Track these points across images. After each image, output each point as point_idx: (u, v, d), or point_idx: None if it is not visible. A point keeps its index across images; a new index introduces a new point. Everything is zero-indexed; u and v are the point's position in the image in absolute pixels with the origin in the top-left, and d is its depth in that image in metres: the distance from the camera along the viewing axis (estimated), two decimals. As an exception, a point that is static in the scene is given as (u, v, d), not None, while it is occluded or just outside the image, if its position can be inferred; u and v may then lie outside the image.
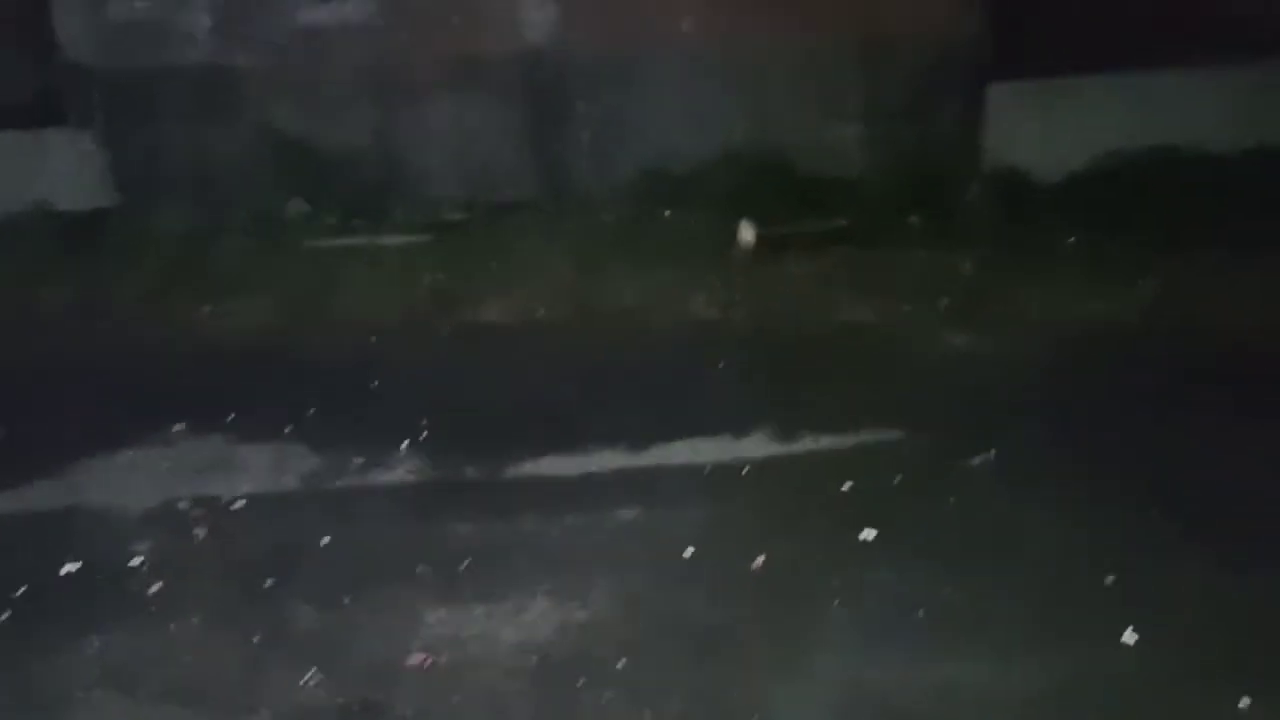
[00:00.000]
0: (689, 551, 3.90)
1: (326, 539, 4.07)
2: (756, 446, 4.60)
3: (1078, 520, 3.96)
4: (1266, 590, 3.56)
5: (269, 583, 3.84)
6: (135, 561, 3.99)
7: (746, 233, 6.62)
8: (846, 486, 4.26)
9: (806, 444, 4.59)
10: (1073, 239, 6.56)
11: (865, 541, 3.90)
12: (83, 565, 3.99)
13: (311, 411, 4.98)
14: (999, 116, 7.37)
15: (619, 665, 3.38)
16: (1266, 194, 6.62)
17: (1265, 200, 6.53)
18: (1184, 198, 6.72)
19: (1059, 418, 4.68)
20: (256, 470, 4.56)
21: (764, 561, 3.82)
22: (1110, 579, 3.63)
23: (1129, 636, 3.37)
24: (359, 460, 4.60)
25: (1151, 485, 4.12)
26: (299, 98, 6.64)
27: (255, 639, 3.57)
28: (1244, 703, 3.10)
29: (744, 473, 4.40)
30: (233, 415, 4.96)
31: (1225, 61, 7.53)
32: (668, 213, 5.96)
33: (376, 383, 5.18)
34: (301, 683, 3.38)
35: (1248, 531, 3.84)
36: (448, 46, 6.42)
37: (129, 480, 4.51)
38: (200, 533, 4.16)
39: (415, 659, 3.45)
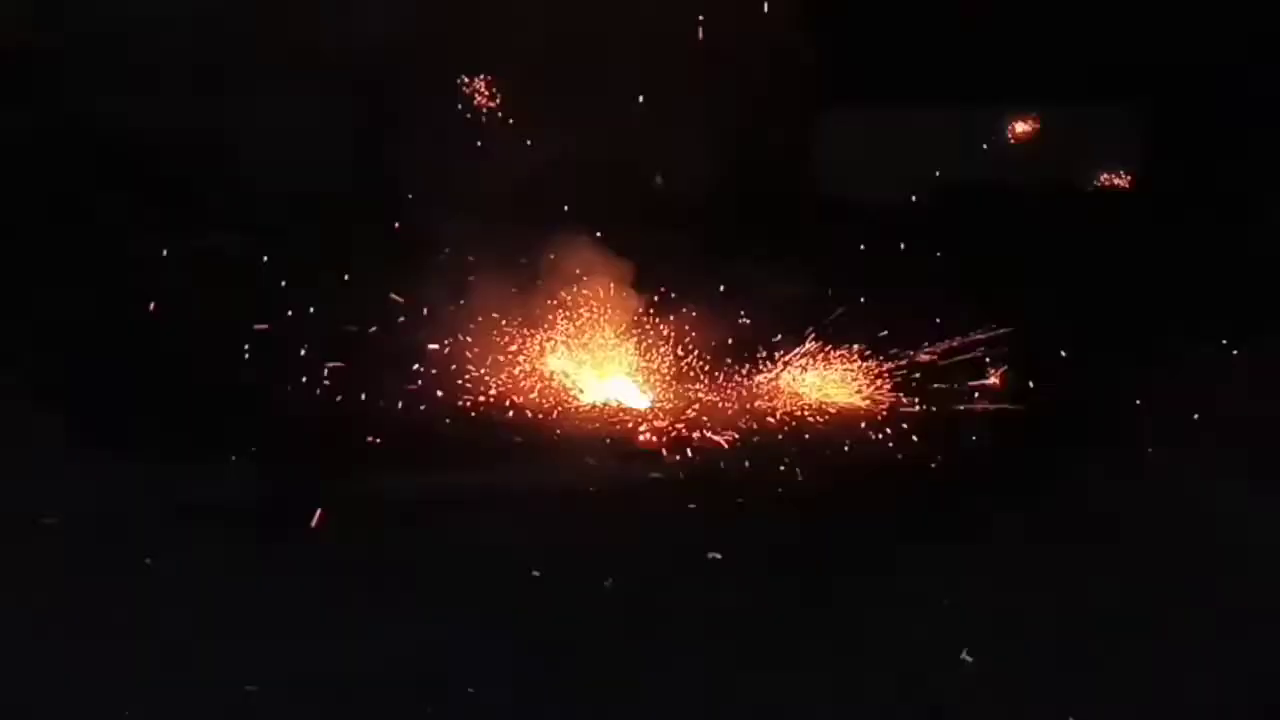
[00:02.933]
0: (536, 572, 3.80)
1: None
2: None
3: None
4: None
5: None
6: None
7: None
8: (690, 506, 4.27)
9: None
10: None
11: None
12: None
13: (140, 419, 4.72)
14: (837, 141, 7.55)
15: (469, 691, 3.25)
16: (1062, 230, 6.97)
17: (1059, 238, 6.85)
18: (1000, 226, 6.99)
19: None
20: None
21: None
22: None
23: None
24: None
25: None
26: (120, 87, 6.28)
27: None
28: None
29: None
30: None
31: (1039, 103, 7.93)
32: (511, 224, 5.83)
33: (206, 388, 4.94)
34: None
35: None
36: (282, 39, 6.16)
37: None
38: None
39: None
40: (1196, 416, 5.00)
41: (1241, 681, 3.33)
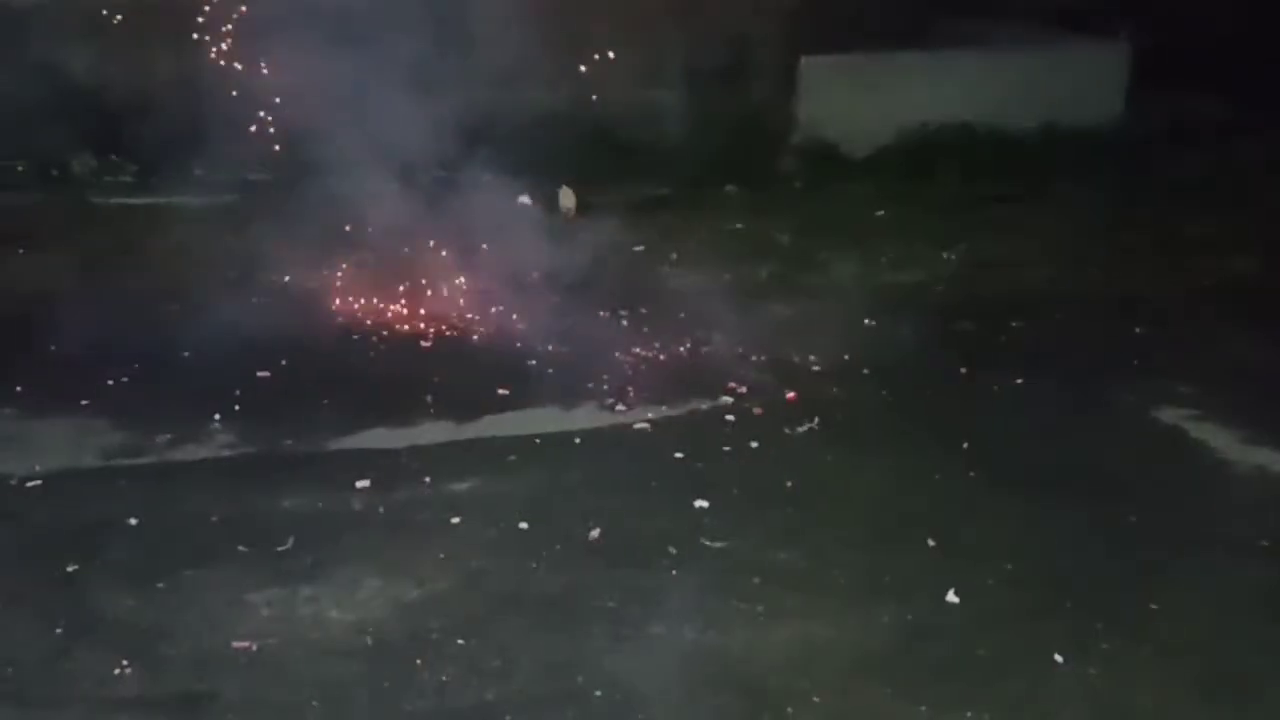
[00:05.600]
0: (524, 524, 3.79)
1: (134, 520, 3.79)
2: (587, 417, 4.54)
3: (901, 484, 4.05)
4: (1069, 538, 3.73)
5: (71, 567, 3.55)
6: (-83, 548, 3.65)
7: (566, 199, 6.53)
8: (679, 455, 4.24)
9: (636, 414, 4.55)
10: (881, 211, 6.73)
11: (699, 509, 3.88)
12: None
13: (111, 383, 4.67)
14: (811, 89, 7.50)
15: (458, 643, 3.25)
16: (1053, 167, 6.97)
17: (1049, 172, 6.87)
18: (979, 171, 6.99)
19: (878, 382, 4.80)
20: (52, 447, 4.23)
21: (600, 532, 3.75)
22: (932, 542, 3.71)
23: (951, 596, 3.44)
24: (167, 435, 4.32)
25: (962, 443, 4.27)
26: (89, 41, 6.17)
27: (57, 629, 3.29)
28: (1058, 658, 3.20)
29: (576, 443, 4.32)
30: (20, 387, 4.61)
31: (1019, 44, 7.89)
32: (488, 176, 5.78)
33: (184, 352, 4.89)
34: (115, 673, 3.13)
35: (1050, 480, 4.04)
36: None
37: (-96, 459, 4.13)
38: (-10, 515, 3.82)
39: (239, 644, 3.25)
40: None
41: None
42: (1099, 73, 7.74)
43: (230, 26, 5.93)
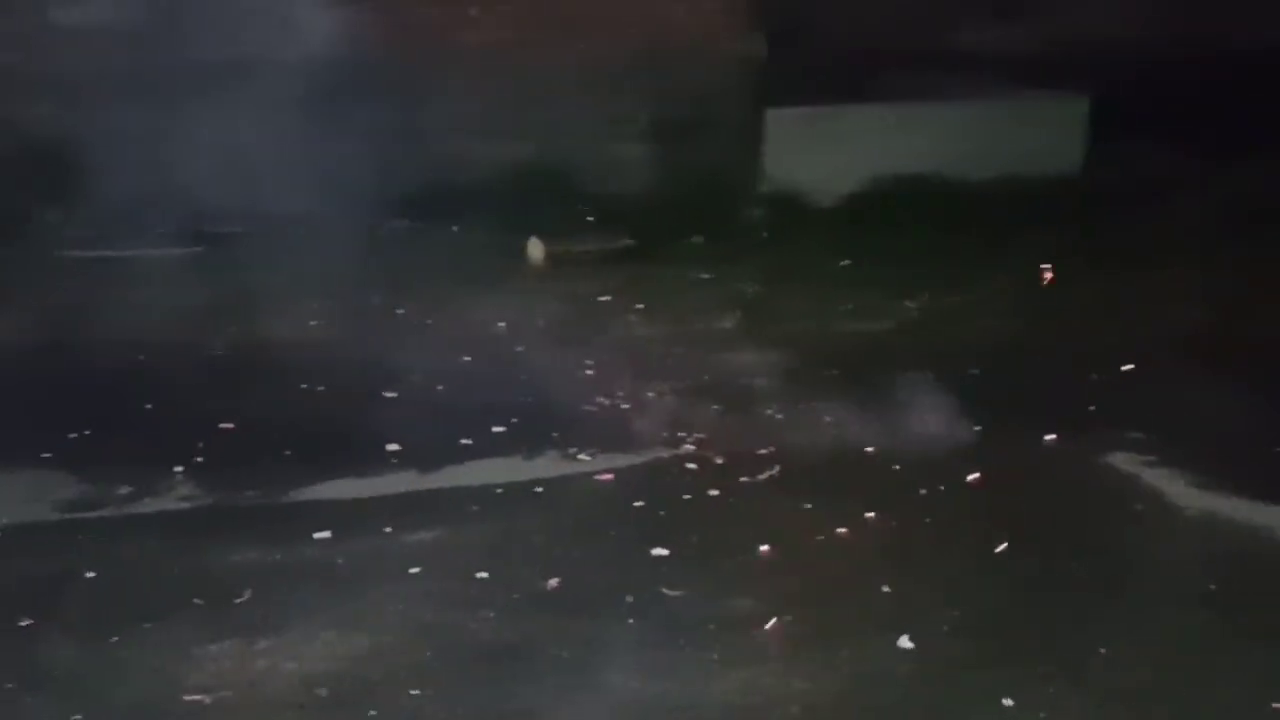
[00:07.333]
0: (482, 574, 3.80)
1: (90, 573, 3.78)
2: (549, 467, 4.55)
3: (856, 532, 4.07)
4: (1020, 584, 3.76)
5: (24, 621, 3.53)
6: None
7: (535, 250, 6.58)
8: (639, 504, 4.26)
9: (598, 464, 4.57)
10: (845, 261, 6.82)
11: (658, 557, 3.89)
12: None
13: (73, 435, 4.66)
14: (776, 141, 7.61)
15: (411, 693, 3.25)
16: (1015, 220, 7.08)
17: (1008, 227, 6.98)
18: (940, 223, 7.10)
19: (837, 431, 4.83)
20: (10, 499, 4.22)
21: (559, 582, 3.75)
22: (886, 589, 3.73)
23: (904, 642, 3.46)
24: (127, 488, 4.32)
25: (919, 489, 4.33)
26: (50, 97, 6.21)
27: (9, 684, 3.27)
28: (1007, 702, 3.21)
29: (538, 493, 4.34)
30: (-19, 439, 4.61)
31: (980, 95, 8.04)
32: (454, 227, 5.83)
33: (146, 404, 4.89)
34: (65, 729, 3.11)
35: (1002, 526, 4.06)
36: (218, 50, 6.13)
37: None
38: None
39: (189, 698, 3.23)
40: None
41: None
42: (1058, 124, 7.89)
43: (192, 81, 5.99)
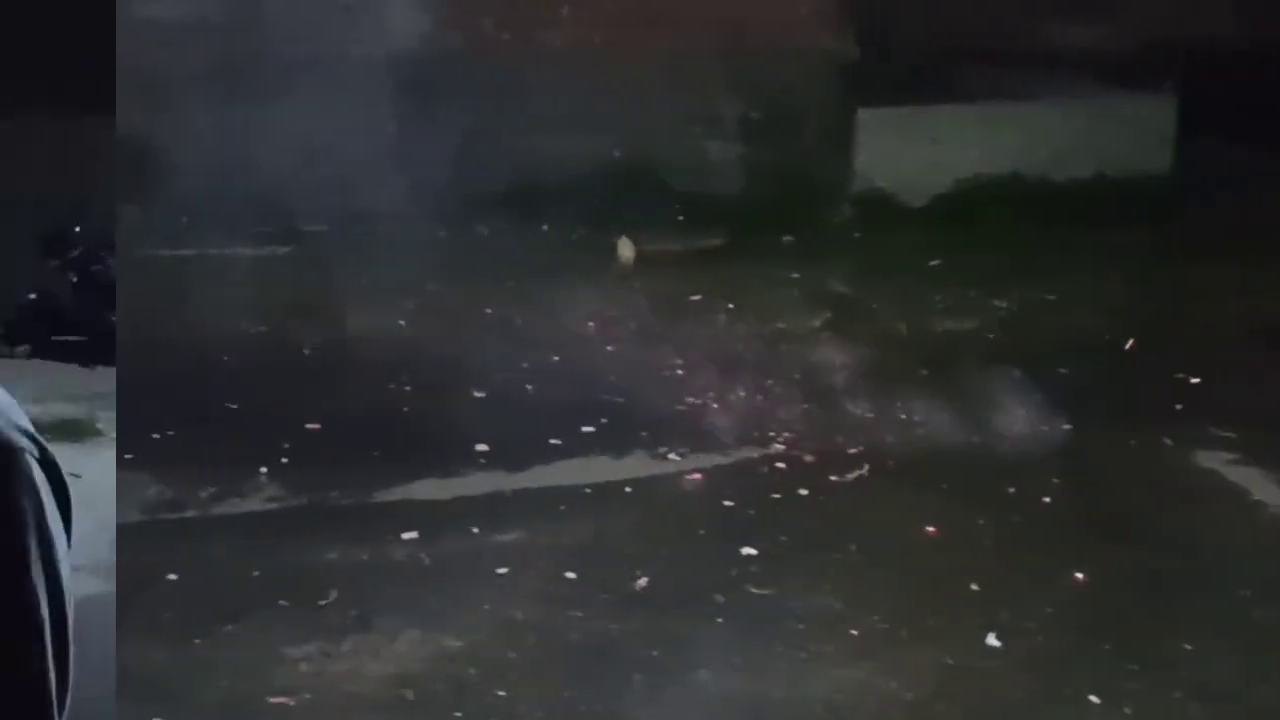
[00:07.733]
0: (570, 574, 3.70)
1: (173, 575, 3.73)
2: (638, 467, 4.46)
3: (946, 529, 3.99)
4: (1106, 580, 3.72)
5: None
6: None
7: (625, 249, 6.48)
8: (728, 503, 4.16)
9: (687, 463, 4.47)
10: (935, 260, 6.66)
11: (746, 556, 3.81)
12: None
13: (155, 436, 4.63)
14: (867, 141, 7.50)
15: (499, 694, 3.15)
16: (1103, 218, 6.87)
17: (1100, 223, 6.78)
18: (1029, 222, 6.92)
19: (927, 430, 4.72)
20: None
21: (647, 581, 3.66)
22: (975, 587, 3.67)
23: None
24: (211, 489, 4.27)
25: (1008, 488, 4.24)
26: (134, 94, 6.24)
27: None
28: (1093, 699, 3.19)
29: (627, 493, 4.23)
30: (66, 441, 4.62)
31: (1068, 95, 7.86)
32: (544, 226, 5.75)
33: (232, 404, 4.86)
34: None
35: (1095, 530, 4.01)
36: (306, 47, 6.11)
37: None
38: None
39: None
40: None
41: None
42: (1147, 124, 7.69)
43: (280, 79, 5.98)
